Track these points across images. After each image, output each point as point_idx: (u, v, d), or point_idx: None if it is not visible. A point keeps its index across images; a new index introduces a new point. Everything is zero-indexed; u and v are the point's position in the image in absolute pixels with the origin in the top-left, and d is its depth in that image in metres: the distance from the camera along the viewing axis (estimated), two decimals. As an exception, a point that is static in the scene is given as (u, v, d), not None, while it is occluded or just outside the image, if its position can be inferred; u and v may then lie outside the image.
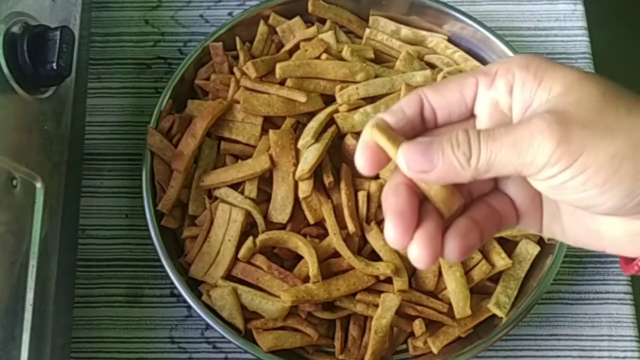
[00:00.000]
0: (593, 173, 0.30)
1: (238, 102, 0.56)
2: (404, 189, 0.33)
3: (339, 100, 0.55)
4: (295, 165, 0.53)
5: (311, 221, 0.53)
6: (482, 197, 0.35)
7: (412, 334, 0.53)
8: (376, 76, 0.57)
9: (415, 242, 0.32)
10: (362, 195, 0.54)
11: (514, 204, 0.36)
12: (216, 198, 0.55)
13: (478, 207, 0.35)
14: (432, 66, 0.60)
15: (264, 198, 0.55)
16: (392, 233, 0.32)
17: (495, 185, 0.36)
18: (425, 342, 0.52)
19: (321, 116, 0.55)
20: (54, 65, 0.47)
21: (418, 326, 0.52)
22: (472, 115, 0.35)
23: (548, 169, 0.31)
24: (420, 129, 0.34)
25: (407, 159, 0.32)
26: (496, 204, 0.35)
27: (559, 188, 0.31)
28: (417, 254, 0.32)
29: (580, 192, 0.31)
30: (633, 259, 0.35)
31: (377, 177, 0.54)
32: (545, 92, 0.32)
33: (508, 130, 0.31)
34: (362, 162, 0.33)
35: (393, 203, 0.32)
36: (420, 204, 0.33)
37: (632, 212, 0.32)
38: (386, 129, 0.33)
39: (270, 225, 0.54)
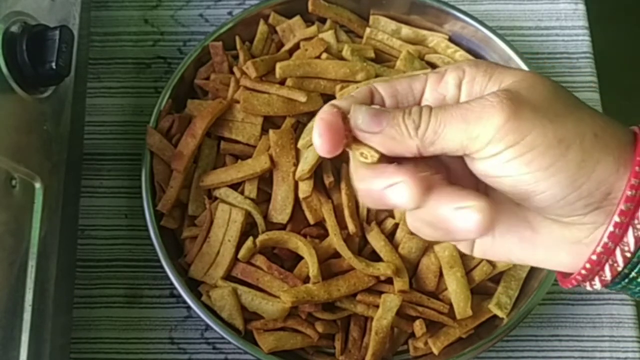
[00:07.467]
0: (539, 154, 0.30)
1: (238, 102, 0.55)
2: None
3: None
4: (295, 165, 0.53)
5: (311, 221, 0.53)
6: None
7: (412, 335, 0.53)
8: (376, 76, 0.57)
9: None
10: (362, 196, 0.53)
11: None
12: (216, 198, 0.54)
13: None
14: (432, 65, 0.60)
15: (264, 198, 0.55)
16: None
17: None
18: (425, 343, 0.52)
19: (321, 116, 0.54)
20: (53, 64, 0.47)
21: (419, 327, 0.52)
22: None
23: (493, 145, 0.30)
24: None
25: (356, 115, 0.32)
26: None
27: (502, 167, 0.30)
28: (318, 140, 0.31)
29: (524, 173, 0.30)
30: (569, 274, 0.34)
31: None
32: (496, 85, 0.32)
33: (460, 104, 0.31)
34: (320, 141, 0.32)
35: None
36: None
37: (571, 211, 0.31)
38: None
39: (270, 225, 0.53)
